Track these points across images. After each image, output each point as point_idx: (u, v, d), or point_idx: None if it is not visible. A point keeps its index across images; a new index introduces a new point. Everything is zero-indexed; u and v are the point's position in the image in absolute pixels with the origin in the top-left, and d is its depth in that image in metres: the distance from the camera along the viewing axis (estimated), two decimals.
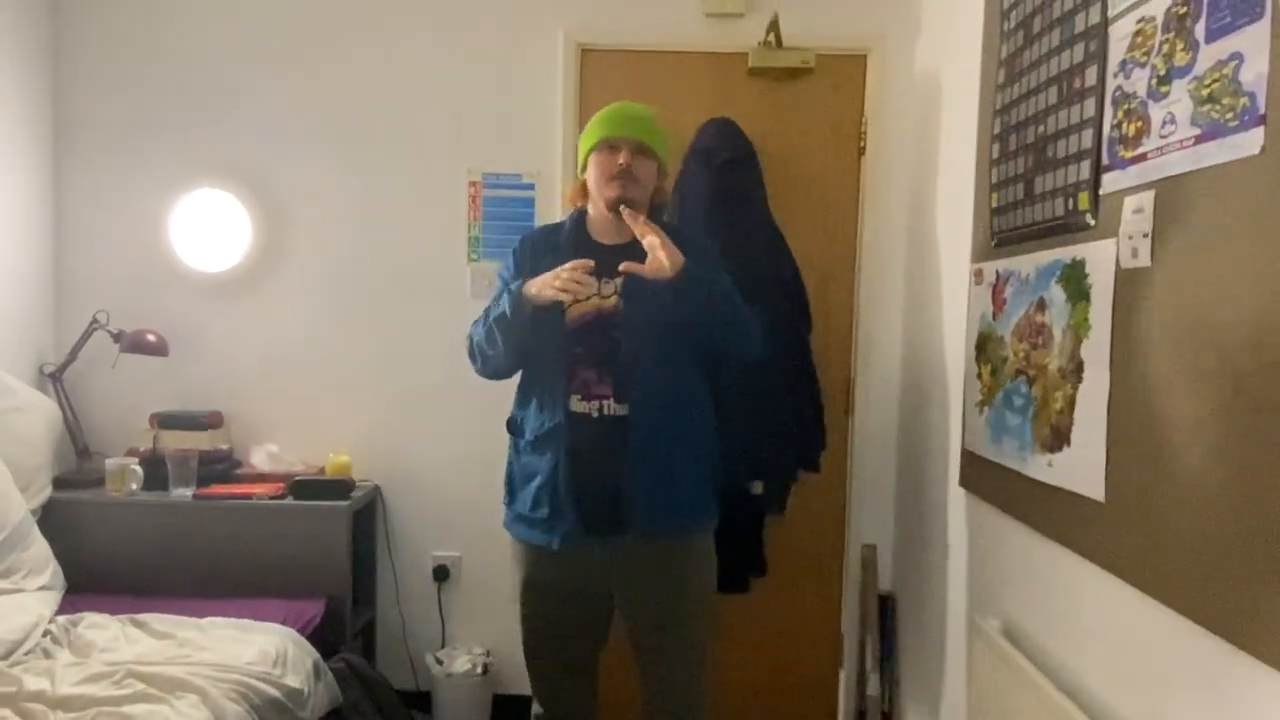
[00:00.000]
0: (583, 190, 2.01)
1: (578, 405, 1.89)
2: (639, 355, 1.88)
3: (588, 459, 1.88)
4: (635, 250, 1.86)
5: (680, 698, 2.02)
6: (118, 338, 2.72)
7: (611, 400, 1.89)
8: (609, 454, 1.87)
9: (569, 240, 2.00)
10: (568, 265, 1.83)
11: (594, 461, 1.88)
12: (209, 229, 2.80)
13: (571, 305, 1.89)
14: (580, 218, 2.05)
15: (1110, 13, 1.45)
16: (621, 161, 1.90)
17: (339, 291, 2.86)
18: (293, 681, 2.07)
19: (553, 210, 2.81)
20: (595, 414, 1.89)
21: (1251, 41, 1.10)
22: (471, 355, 2.04)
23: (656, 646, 2.01)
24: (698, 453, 1.98)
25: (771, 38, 2.67)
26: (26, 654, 2.05)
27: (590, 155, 1.96)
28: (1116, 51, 1.43)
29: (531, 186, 2.83)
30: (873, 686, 2.60)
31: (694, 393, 1.98)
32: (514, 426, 2.03)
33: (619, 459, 1.87)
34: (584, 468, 1.88)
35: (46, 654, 2.07)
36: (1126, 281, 1.38)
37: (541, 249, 2.00)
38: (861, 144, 2.77)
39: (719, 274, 1.97)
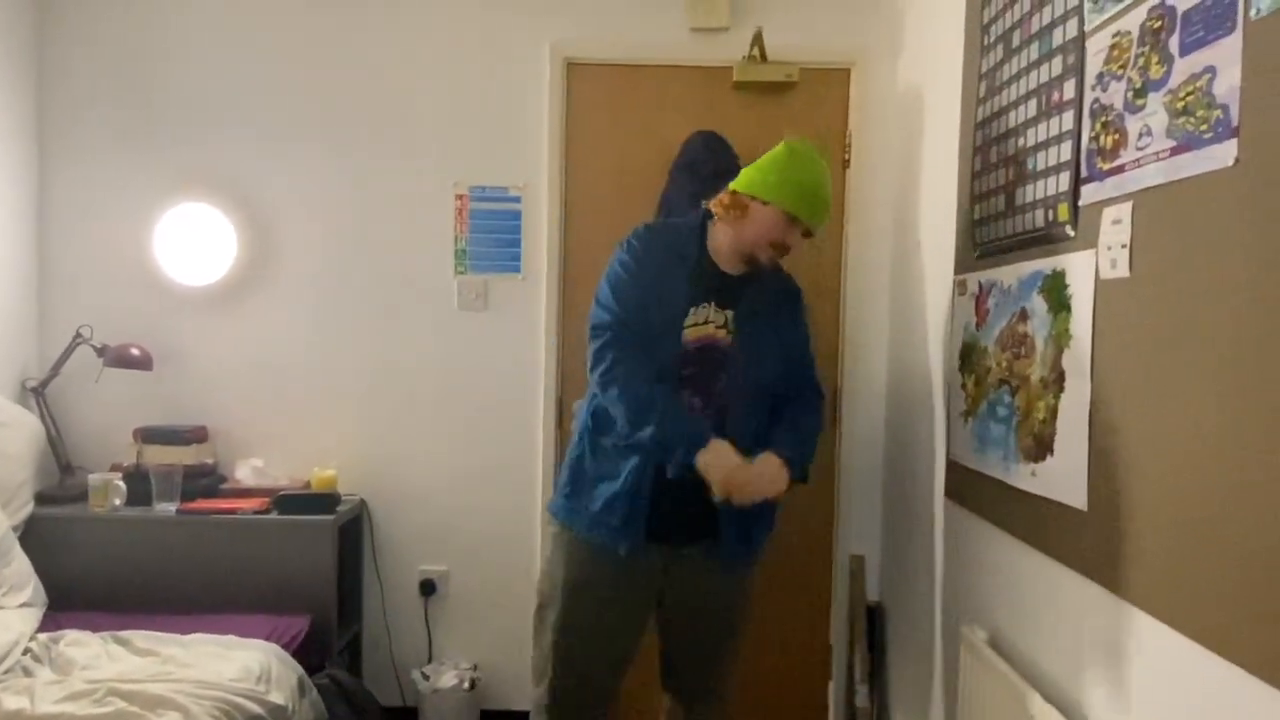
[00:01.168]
0: (741, 210, 1.90)
1: None
2: (743, 390, 1.91)
3: (675, 480, 1.87)
4: (749, 281, 1.94)
5: (721, 696, 2.07)
6: (101, 352, 2.70)
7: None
8: (699, 481, 1.86)
9: (693, 256, 1.96)
10: (759, 491, 1.80)
11: (682, 484, 1.87)
12: (193, 243, 2.79)
13: (690, 326, 1.90)
14: (702, 229, 1.99)
15: (1087, 27, 1.47)
16: (793, 245, 1.92)
17: (325, 305, 2.86)
18: (277, 698, 2.05)
19: (539, 224, 2.81)
20: None
21: (1224, 55, 1.12)
22: (610, 386, 1.88)
23: (702, 644, 2.03)
24: None
25: (756, 52, 2.70)
26: (6, 672, 2.02)
27: (771, 208, 1.87)
28: (1094, 65, 1.45)
29: (518, 199, 2.83)
30: (861, 698, 2.60)
31: (764, 428, 1.99)
32: (599, 421, 1.95)
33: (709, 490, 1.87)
34: (671, 488, 1.88)
35: (26, 672, 2.05)
36: (1106, 292, 1.40)
37: (668, 253, 1.96)
38: (846, 157, 2.79)
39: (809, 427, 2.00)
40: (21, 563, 2.36)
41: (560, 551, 1.99)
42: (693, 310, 1.92)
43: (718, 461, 1.80)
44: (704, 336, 1.92)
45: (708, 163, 2.59)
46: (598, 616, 1.96)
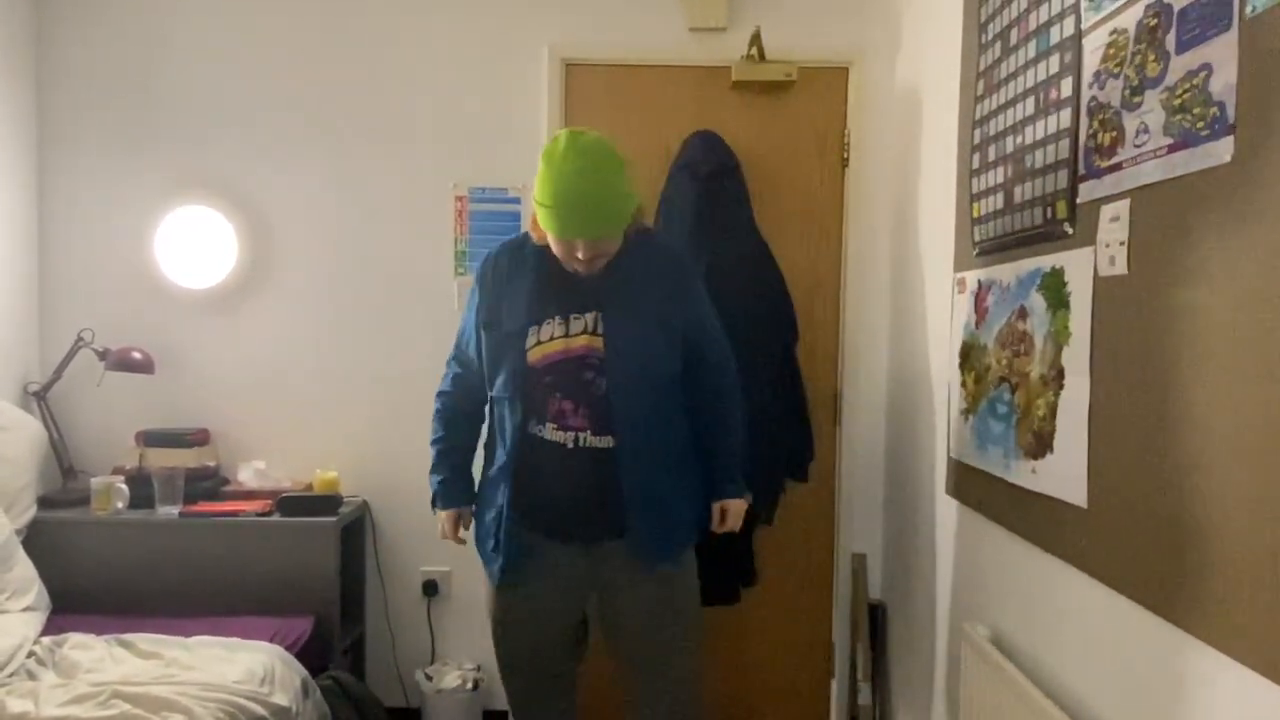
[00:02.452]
0: (540, 227, 1.84)
1: (553, 434, 1.86)
2: (622, 391, 1.84)
3: (562, 486, 1.87)
4: (614, 272, 1.84)
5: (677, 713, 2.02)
6: (103, 355, 2.71)
7: (589, 433, 1.86)
8: (591, 482, 1.87)
9: (534, 267, 1.89)
10: (450, 536, 2.05)
11: (569, 488, 1.87)
12: (194, 245, 2.79)
13: (534, 347, 1.84)
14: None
15: (1084, 24, 1.47)
16: (580, 256, 1.77)
17: (325, 307, 2.86)
18: (281, 700, 2.06)
19: None
20: (570, 444, 1.86)
21: (1220, 52, 1.12)
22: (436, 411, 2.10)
23: (649, 661, 1.99)
24: (684, 471, 1.98)
25: (754, 51, 2.70)
26: (10, 676, 2.03)
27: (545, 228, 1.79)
28: (1091, 62, 1.45)
29: (518, 200, 2.84)
30: (864, 696, 2.60)
31: (673, 414, 1.96)
32: (488, 445, 2.00)
33: (606, 490, 1.86)
34: (559, 495, 1.88)
35: (31, 675, 2.05)
36: (1105, 289, 1.40)
37: (506, 275, 1.92)
38: (844, 155, 2.80)
39: (736, 424, 2.04)
40: (25, 567, 2.36)
41: (485, 577, 2.05)
42: (533, 329, 1.85)
43: None
44: (553, 354, 1.84)
45: (707, 163, 2.60)
46: (530, 633, 1.99)
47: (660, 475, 1.90)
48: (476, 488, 2.06)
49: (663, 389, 1.92)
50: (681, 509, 1.96)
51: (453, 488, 2.05)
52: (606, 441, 1.86)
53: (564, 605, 1.98)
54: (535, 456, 1.87)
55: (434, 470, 2.07)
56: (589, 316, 1.85)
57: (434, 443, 2.07)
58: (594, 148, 1.73)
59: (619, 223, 1.80)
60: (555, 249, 1.82)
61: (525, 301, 1.87)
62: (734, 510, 2.03)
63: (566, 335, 1.85)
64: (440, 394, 2.09)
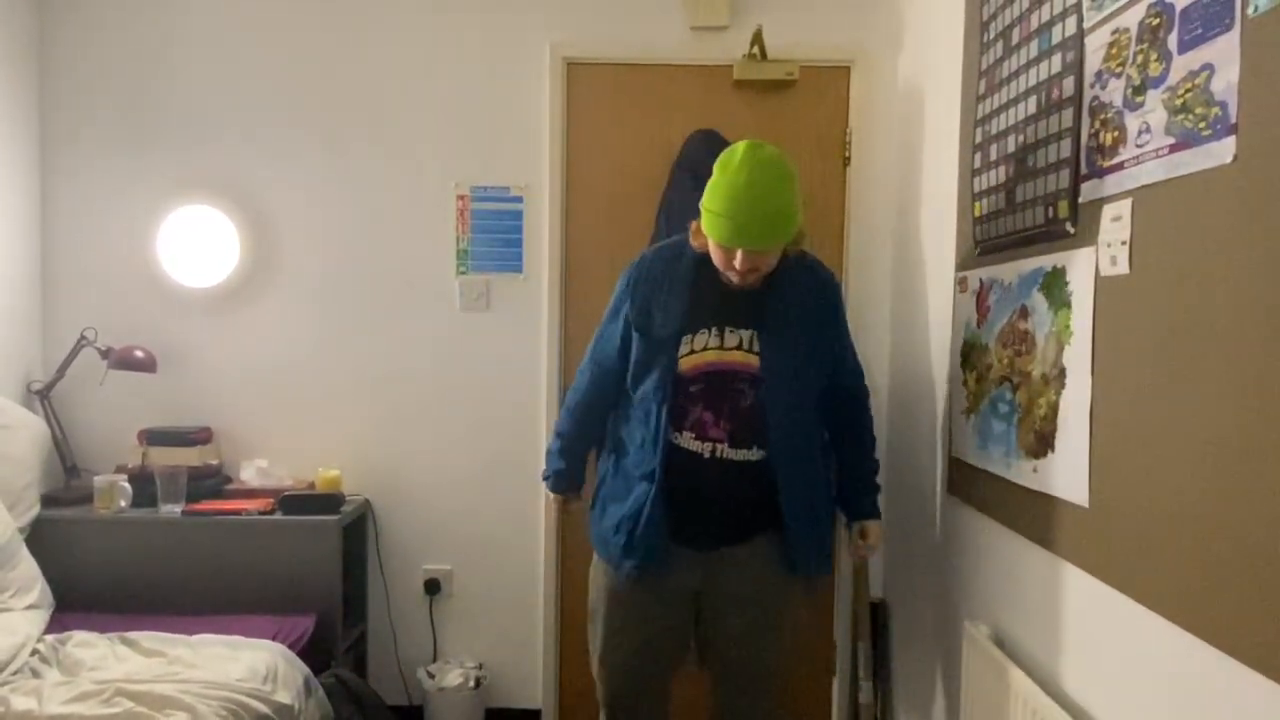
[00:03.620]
0: (703, 237, 1.84)
1: (689, 443, 1.87)
2: (776, 408, 1.86)
3: (691, 493, 1.88)
4: (760, 295, 1.85)
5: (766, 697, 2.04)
6: (106, 354, 2.71)
7: (726, 445, 1.86)
8: (728, 492, 1.88)
9: (691, 274, 1.89)
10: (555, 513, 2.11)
11: (702, 498, 1.89)
12: (196, 245, 2.80)
13: (686, 355, 1.85)
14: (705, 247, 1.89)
15: (1086, 24, 1.48)
16: (738, 266, 1.76)
17: (327, 306, 2.87)
18: (283, 698, 2.06)
19: (541, 223, 2.82)
20: (707, 455, 1.87)
21: (1222, 52, 1.12)
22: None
23: (745, 674, 2.00)
24: (825, 484, 2.01)
25: (756, 50, 2.70)
26: (14, 674, 2.03)
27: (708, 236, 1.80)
28: (1093, 62, 1.45)
29: (520, 199, 2.84)
30: (865, 694, 2.61)
31: (817, 429, 1.98)
32: (618, 443, 1.99)
33: (744, 500, 1.89)
34: (686, 502, 1.88)
35: (35, 673, 2.06)
36: (1106, 289, 1.40)
37: (659, 279, 1.91)
38: (846, 154, 2.80)
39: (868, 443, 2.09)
40: (28, 565, 2.37)
41: (594, 568, 2.04)
42: (687, 339, 1.86)
43: None
44: (705, 365, 1.86)
45: (708, 162, 2.58)
46: (638, 631, 1.97)
47: (810, 486, 1.94)
48: (599, 484, 2.05)
49: (809, 407, 1.94)
50: (828, 517, 2.02)
51: (569, 476, 2.13)
52: (744, 455, 1.87)
53: (674, 607, 1.98)
54: (672, 462, 1.88)
55: (555, 456, 2.14)
56: (745, 333, 1.86)
57: (560, 434, 2.12)
58: (772, 161, 1.74)
59: (782, 238, 1.80)
60: (714, 255, 1.82)
61: (680, 308, 1.87)
62: (874, 531, 2.07)
63: (721, 348, 1.86)
64: (575, 390, 2.09)
